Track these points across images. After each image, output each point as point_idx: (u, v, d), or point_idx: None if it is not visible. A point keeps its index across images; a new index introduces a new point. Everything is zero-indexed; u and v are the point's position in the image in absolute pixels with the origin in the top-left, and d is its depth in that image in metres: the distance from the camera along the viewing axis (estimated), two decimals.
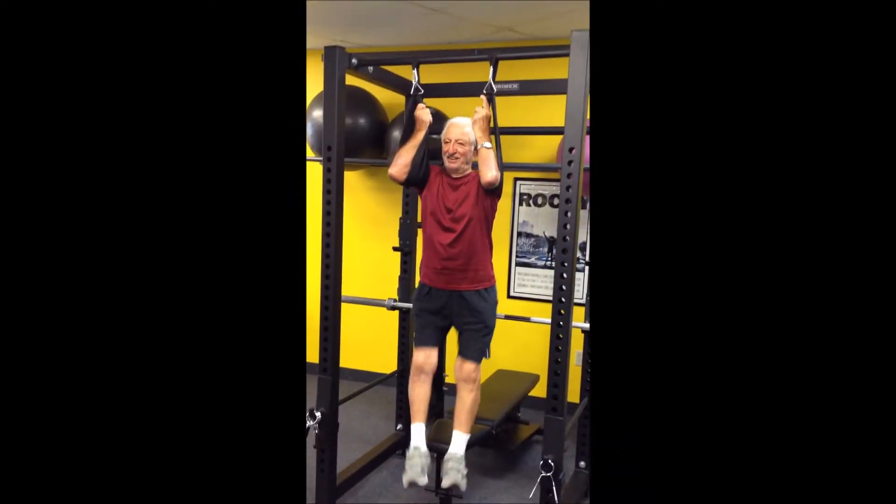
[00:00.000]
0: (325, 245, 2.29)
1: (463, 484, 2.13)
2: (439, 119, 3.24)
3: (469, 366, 2.19)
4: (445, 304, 2.21)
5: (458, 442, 2.17)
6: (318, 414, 2.27)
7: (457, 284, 2.17)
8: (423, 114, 2.22)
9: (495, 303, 2.27)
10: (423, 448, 2.17)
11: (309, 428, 2.27)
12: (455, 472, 2.12)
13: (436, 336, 2.27)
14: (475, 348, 2.20)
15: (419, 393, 2.24)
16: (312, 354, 2.70)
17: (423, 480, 2.13)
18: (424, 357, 2.24)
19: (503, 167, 2.15)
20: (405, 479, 2.14)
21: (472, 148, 2.18)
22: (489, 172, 2.06)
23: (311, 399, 2.37)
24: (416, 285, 2.35)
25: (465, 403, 2.19)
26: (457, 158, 2.17)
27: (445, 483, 2.12)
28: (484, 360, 2.26)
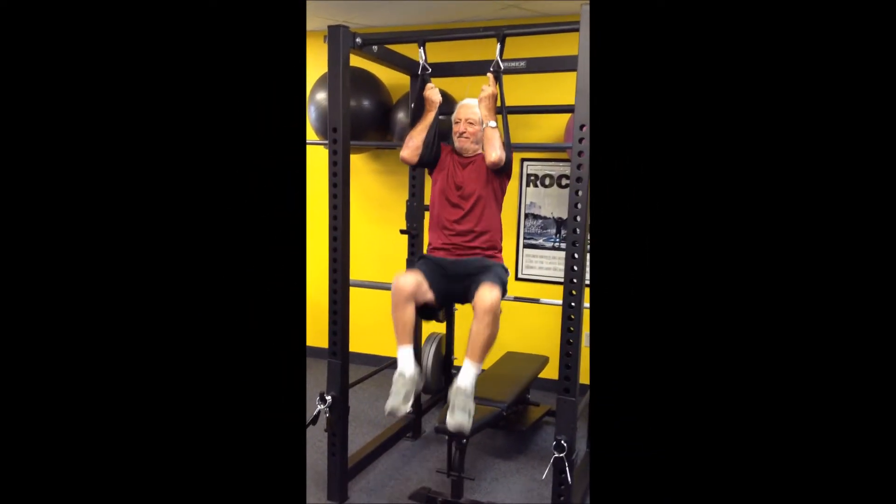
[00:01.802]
0: (333, 229, 2.26)
1: (468, 425, 1.95)
2: (446, 99, 3.20)
3: (489, 293, 1.94)
4: (451, 269, 2.14)
5: (468, 373, 1.97)
6: (328, 398, 2.27)
7: (465, 255, 2.15)
8: (433, 94, 2.20)
9: (506, 270, 2.16)
10: (409, 373, 2.02)
11: (320, 412, 2.27)
12: (461, 413, 1.93)
13: (433, 273, 2.11)
14: (493, 277, 2.02)
15: (402, 315, 2.04)
16: (321, 339, 2.69)
17: (405, 409, 2.00)
18: (412, 279, 2.03)
19: (511, 147, 2.12)
20: (386, 406, 1.99)
21: (482, 127, 2.16)
22: (493, 153, 2.05)
23: (321, 384, 2.37)
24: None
25: (482, 335, 1.95)
26: (467, 138, 2.19)
27: (450, 423, 1.95)
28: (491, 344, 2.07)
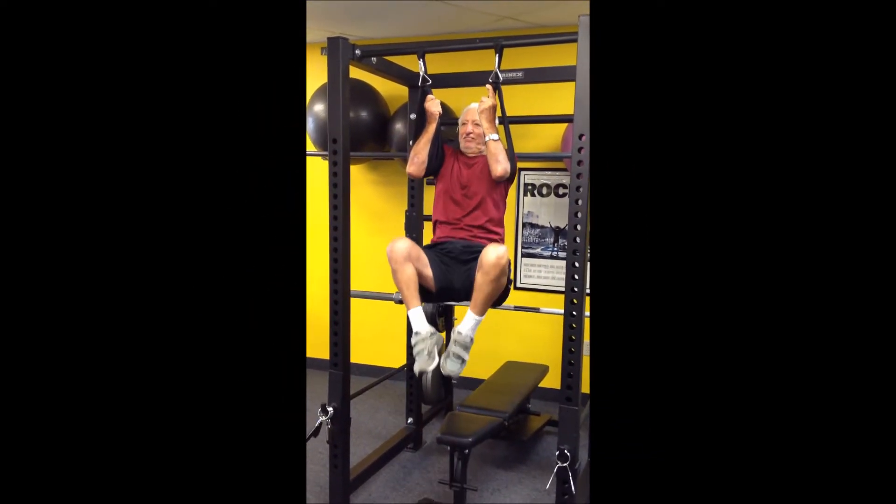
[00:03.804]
0: (333, 240, 2.26)
1: (458, 372, 2.07)
2: (445, 110, 3.21)
3: (495, 249, 1.96)
4: (454, 250, 2.19)
5: (468, 323, 2.06)
6: (330, 409, 2.26)
7: (470, 238, 2.21)
8: (434, 105, 2.22)
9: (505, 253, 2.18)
10: (425, 330, 2.07)
11: (321, 423, 2.25)
12: (453, 362, 2.05)
13: (433, 255, 2.15)
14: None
15: (404, 275, 2.08)
16: (321, 350, 2.69)
17: (433, 366, 2.07)
18: (406, 242, 2.09)
19: (515, 154, 2.17)
20: (416, 367, 2.08)
21: (485, 139, 2.20)
22: (498, 167, 2.11)
23: (322, 395, 2.36)
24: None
25: (485, 290, 2.01)
26: (473, 139, 2.27)
27: (443, 369, 2.07)
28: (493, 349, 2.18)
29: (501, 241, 2.25)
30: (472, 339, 2.07)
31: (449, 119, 2.95)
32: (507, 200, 3.61)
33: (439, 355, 2.11)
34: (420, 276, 2.12)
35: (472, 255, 2.14)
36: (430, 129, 2.22)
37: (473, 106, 2.28)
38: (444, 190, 2.27)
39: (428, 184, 2.35)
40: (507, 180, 2.22)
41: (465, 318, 2.07)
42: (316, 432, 2.26)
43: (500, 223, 2.27)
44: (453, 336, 2.07)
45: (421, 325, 2.08)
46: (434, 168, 2.28)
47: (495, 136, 2.11)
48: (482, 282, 2.00)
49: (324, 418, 2.25)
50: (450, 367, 2.06)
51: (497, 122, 2.19)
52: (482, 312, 2.06)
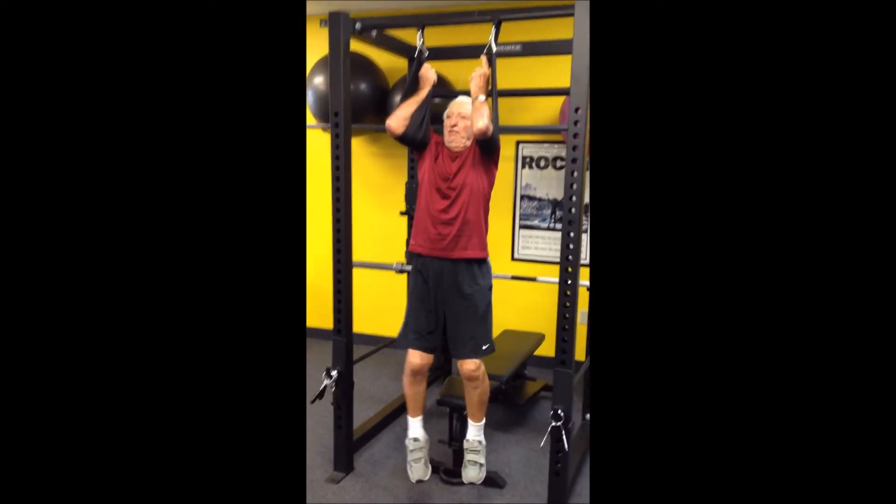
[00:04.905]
0: (336, 210, 2.33)
1: (481, 478, 2.23)
2: (442, 82, 3.23)
3: (468, 365, 2.17)
4: (437, 281, 2.19)
5: (475, 430, 2.25)
6: (334, 373, 2.35)
7: (449, 252, 2.14)
8: (429, 72, 2.22)
9: (489, 286, 2.23)
10: (423, 437, 2.26)
11: (326, 386, 2.35)
12: (472, 469, 2.21)
13: (430, 339, 2.25)
14: (469, 345, 2.17)
15: (414, 391, 2.29)
16: (324, 321, 2.77)
17: (429, 473, 2.26)
18: (420, 360, 2.24)
19: (500, 130, 2.13)
20: (413, 477, 2.24)
21: (472, 101, 2.15)
22: (481, 120, 2.01)
23: (325, 363, 2.45)
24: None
25: (473, 398, 2.23)
26: (458, 132, 2.17)
27: (464, 478, 2.23)
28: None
29: (482, 248, 2.20)
30: (480, 443, 2.24)
31: (444, 91, 2.98)
32: (505, 173, 3.68)
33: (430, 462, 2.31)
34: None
35: (450, 302, 2.20)
36: (422, 93, 2.19)
37: (461, 99, 2.22)
38: (429, 180, 2.19)
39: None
40: (491, 160, 2.16)
41: (470, 429, 2.27)
42: (321, 395, 2.36)
43: (482, 221, 2.19)
44: (464, 444, 2.27)
45: (418, 431, 2.28)
46: (413, 136, 2.17)
47: (483, 97, 2.08)
48: (469, 394, 2.25)
49: (328, 381, 2.35)
50: (471, 475, 2.23)
51: (487, 94, 2.13)
52: (480, 418, 2.26)
